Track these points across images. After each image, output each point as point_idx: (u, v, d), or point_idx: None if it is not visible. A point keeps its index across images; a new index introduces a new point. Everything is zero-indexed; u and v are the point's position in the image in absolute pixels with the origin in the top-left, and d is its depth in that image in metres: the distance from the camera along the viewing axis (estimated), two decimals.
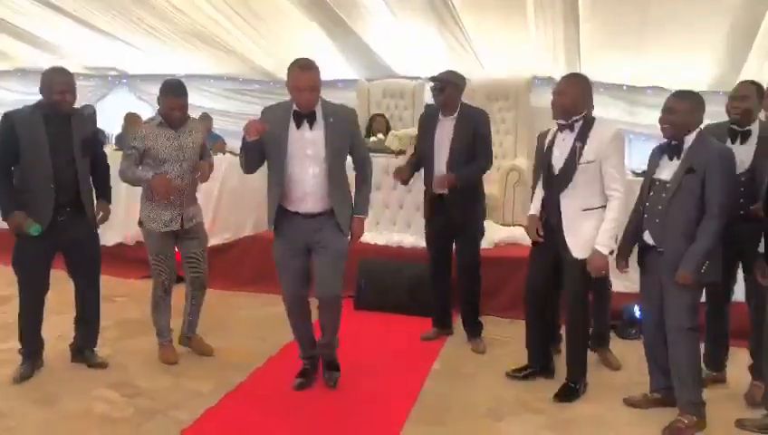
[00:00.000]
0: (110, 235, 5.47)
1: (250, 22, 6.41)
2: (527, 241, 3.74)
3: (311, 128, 3.18)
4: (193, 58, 7.45)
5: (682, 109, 3.05)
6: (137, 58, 7.74)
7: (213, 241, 4.85)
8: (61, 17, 6.69)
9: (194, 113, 3.83)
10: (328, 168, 3.19)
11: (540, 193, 3.51)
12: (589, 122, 3.31)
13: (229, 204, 5.54)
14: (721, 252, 3.08)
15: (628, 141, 5.89)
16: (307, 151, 3.18)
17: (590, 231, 3.27)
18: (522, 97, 6.46)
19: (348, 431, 3.11)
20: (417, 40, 6.35)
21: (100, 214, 3.64)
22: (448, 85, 3.93)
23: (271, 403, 3.34)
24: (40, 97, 3.41)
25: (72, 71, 3.51)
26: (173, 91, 3.59)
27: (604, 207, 3.27)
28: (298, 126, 3.18)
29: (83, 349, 3.72)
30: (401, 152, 5.20)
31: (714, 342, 3.62)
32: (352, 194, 3.40)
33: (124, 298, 4.95)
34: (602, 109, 5.44)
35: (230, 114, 7.76)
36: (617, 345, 4.11)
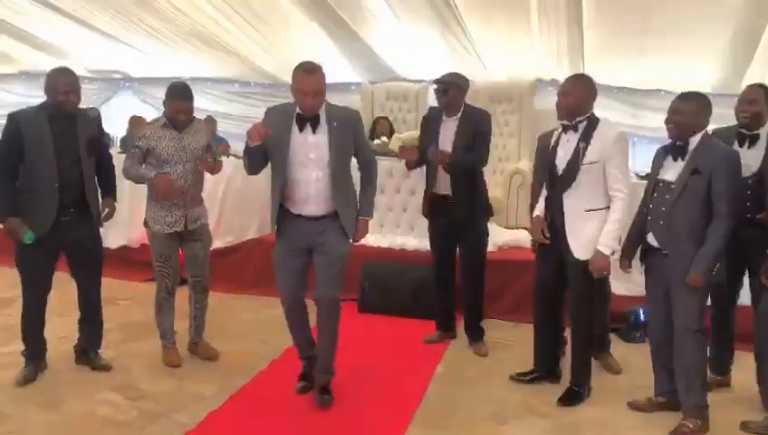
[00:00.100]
0: (113, 237, 5.48)
1: (255, 25, 6.42)
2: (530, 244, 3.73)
3: (314, 132, 3.16)
4: (196, 60, 7.47)
5: (687, 109, 3.05)
6: (140, 61, 7.76)
7: (216, 244, 4.85)
8: (59, 17, 6.70)
9: (198, 116, 3.83)
10: (331, 172, 3.17)
11: (545, 194, 3.51)
12: (593, 123, 3.30)
13: (233, 206, 5.54)
14: (725, 254, 3.07)
15: (632, 144, 5.88)
16: (310, 155, 3.15)
17: (593, 232, 3.26)
18: (525, 100, 6.46)
19: None
20: (421, 43, 6.35)
21: (106, 211, 3.64)
22: (452, 87, 3.93)
23: (274, 406, 3.34)
24: (44, 99, 3.41)
25: (75, 73, 3.52)
26: (178, 95, 3.60)
27: (607, 208, 3.27)
28: (301, 129, 3.15)
29: (87, 350, 3.73)
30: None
31: (719, 346, 3.60)
32: (357, 195, 3.38)
33: (128, 301, 4.95)
34: (605, 111, 5.42)
35: (233, 117, 7.77)
36: (621, 349, 4.10)
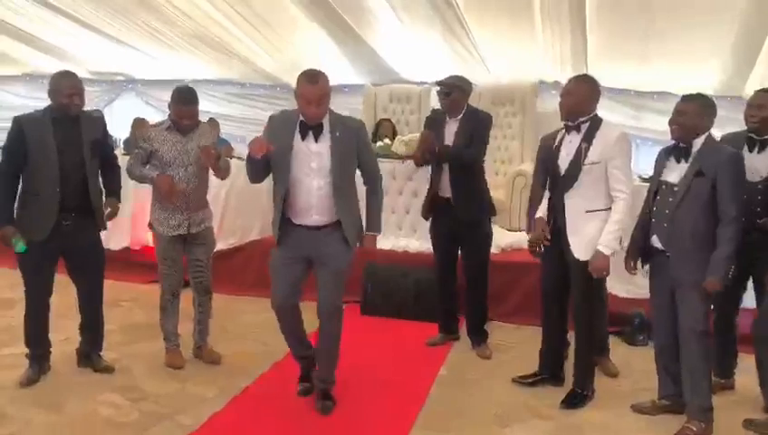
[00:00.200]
0: (115, 239, 5.47)
1: (257, 27, 6.42)
2: None
3: (316, 140, 3.11)
4: (198, 62, 7.47)
5: (690, 111, 3.05)
6: (143, 63, 7.76)
7: (219, 246, 4.84)
8: (62, 19, 6.70)
9: (201, 118, 3.83)
10: (333, 181, 3.11)
11: (548, 195, 3.51)
12: (596, 124, 3.30)
13: (237, 207, 5.53)
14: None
15: (635, 147, 5.86)
16: (311, 164, 3.10)
17: (593, 232, 3.26)
18: (528, 102, 6.44)
19: None
20: (424, 45, 6.35)
21: (109, 209, 3.64)
22: (455, 90, 3.94)
23: (276, 408, 3.33)
24: (48, 101, 3.42)
25: (79, 76, 3.52)
26: (183, 100, 3.60)
27: (609, 209, 3.27)
28: (303, 137, 3.11)
29: (89, 353, 3.73)
30: (408, 157, 5.19)
31: (722, 348, 3.59)
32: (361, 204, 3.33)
33: (130, 302, 4.95)
34: (608, 113, 5.41)
35: (235, 118, 7.76)
36: (624, 352, 4.09)
